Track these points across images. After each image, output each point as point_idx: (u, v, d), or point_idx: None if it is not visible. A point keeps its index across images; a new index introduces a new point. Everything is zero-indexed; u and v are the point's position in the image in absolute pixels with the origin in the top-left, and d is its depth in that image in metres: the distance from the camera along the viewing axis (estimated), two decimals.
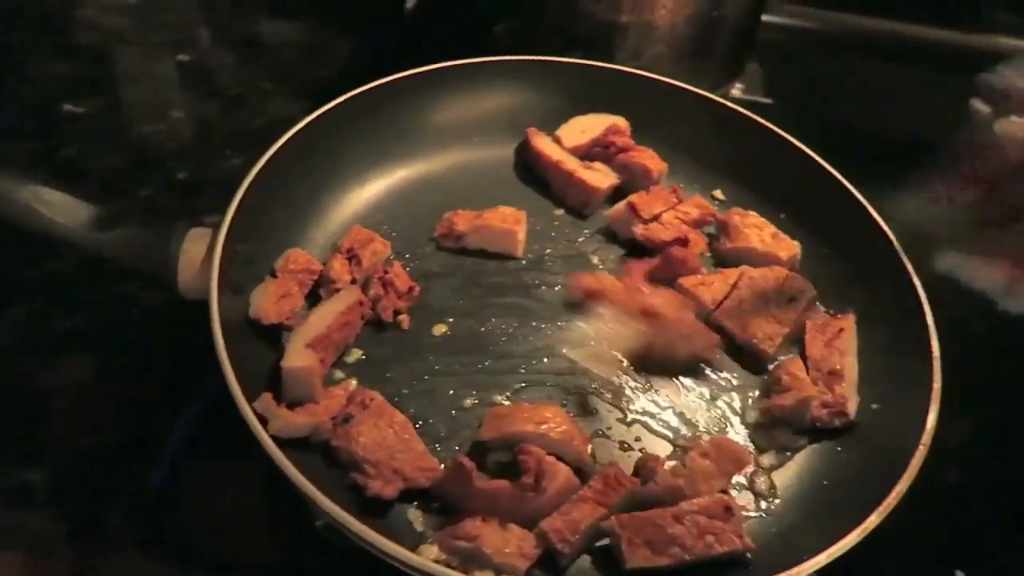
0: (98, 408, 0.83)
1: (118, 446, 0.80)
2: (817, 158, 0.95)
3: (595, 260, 0.93)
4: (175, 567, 0.73)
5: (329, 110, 0.91)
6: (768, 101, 1.25)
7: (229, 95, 1.22)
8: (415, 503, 0.71)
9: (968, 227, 0.69)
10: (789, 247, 0.92)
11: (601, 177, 0.97)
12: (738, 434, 0.80)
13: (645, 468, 0.73)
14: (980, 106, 1.23)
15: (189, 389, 0.83)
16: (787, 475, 0.77)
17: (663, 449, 0.78)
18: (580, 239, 0.95)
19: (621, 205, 0.95)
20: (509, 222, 0.90)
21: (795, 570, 0.62)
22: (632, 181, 0.99)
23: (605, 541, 0.69)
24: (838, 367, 0.81)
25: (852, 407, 0.79)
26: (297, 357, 0.74)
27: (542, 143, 0.99)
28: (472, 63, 0.99)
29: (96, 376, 0.85)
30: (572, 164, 0.97)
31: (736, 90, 1.27)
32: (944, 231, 0.72)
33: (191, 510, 0.77)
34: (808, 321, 0.86)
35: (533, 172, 1.00)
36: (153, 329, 0.89)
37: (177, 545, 0.74)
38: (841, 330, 0.85)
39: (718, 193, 1.02)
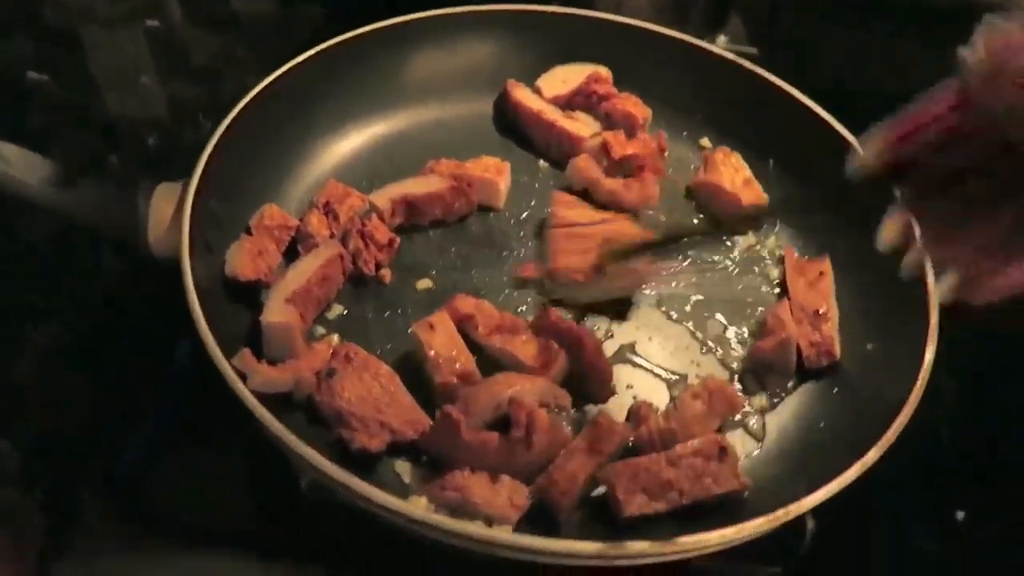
0: (71, 379, 0.80)
1: (93, 417, 0.78)
2: (806, 100, 0.93)
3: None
4: (154, 538, 0.71)
5: (299, 63, 0.88)
6: (753, 51, 1.22)
7: (200, 62, 1.19)
8: (403, 457, 0.69)
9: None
10: (756, 196, 0.90)
11: (583, 126, 0.95)
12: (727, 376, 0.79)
13: (637, 415, 0.72)
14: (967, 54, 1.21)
15: (164, 356, 0.81)
16: (782, 418, 0.76)
17: (654, 389, 0.77)
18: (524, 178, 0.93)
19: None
20: (491, 172, 0.88)
21: (795, 506, 0.61)
22: (618, 129, 0.95)
23: (600, 490, 0.68)
24: (823, 309, 0.80)
25: (837, 348, 0.78)
26: (277, 312, 0.72)
27: (522, 94, 0.97)
28: (446, 13, 0.96)
29: (66, 347, 0.82)
30: (553, 114, 0.95)
31: (720, 41, 1.24)
32: None
33: (170, 480, 0.75)
34: (787, 264, 0.85)
35: (514, 125, 0.97)
36: (122, 298, 0.87)
37: (156, 516, 0.73)
38: (822, 273, 0.84)
39: (704, 141, 0.99)
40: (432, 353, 0.71)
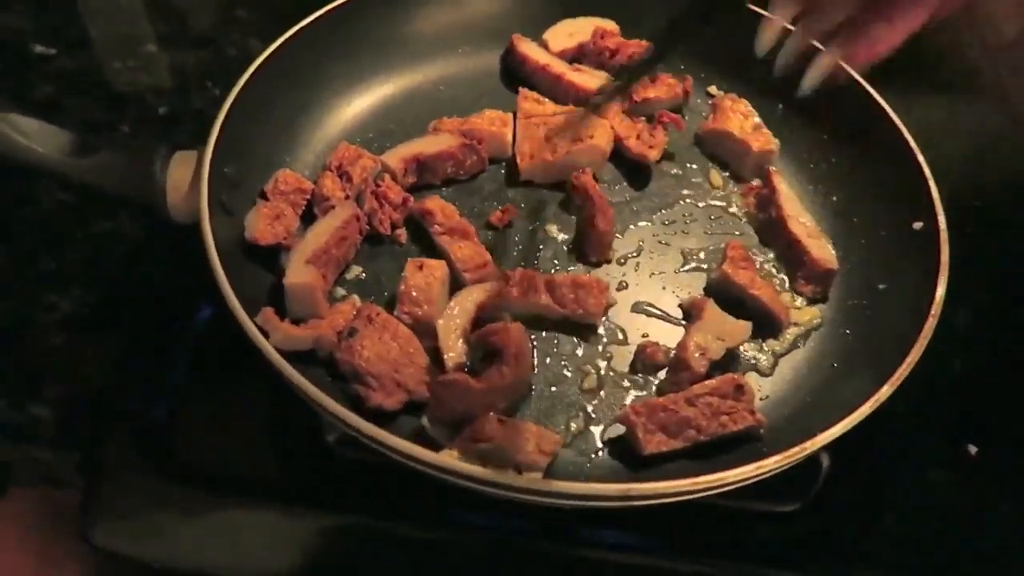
0: (95, 342, 0.82)
1: (119, 377, 0.80)
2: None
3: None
4: (185, 493, 0.73)
5: (305, 26, 0.88)
6: None
7: (202, 27, 1.18)
8: (424, 416, 0.70)
9: None
10: (765, 141, 0.90)
11: (590, 78, 0.95)
12: None
13: (643, 354, 0.74)
14: None
15: (186, 317, 0.82)
16: (796, 360, 0.77)
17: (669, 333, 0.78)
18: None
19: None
20: (496, 124, 0.89)
21: (809, 442, 0.62)
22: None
23: (621, 431, 0.69)
24: (792, 236, 0.81)
25: (828, 256, 0.80)
26: (298, 273, 0.73)
27: (528, 48, 0.97)
28: None
29: (90, 311, 0.84)
30: (560, 67, 0.95)
31: None
32: None
33: (197, 436, 0.76)
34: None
35: (520, 78, 0.97)
36: (141, 262, 0.88)
37: (185, 471, 0.74)
38: (774, 191, 0.84)
39: (712, 89, 0.99)
40: (403, 287, 0.74)
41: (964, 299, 0.77)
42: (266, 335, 0.67)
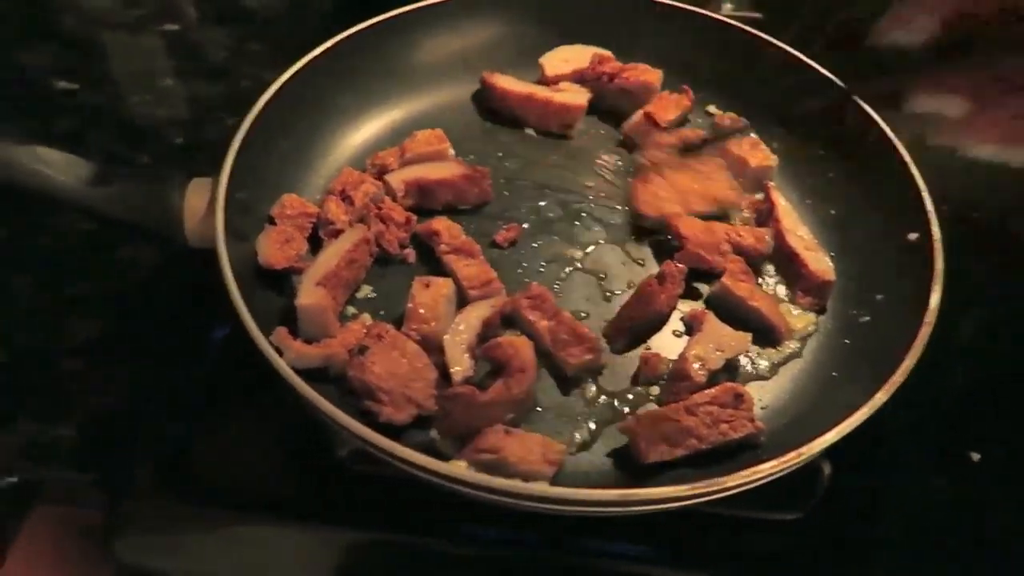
0: (115, 366, 0.85)
1: (140, 399, 0.83)
2: (809, 61, 0.95)
3: (593, 157, 0.97)
4: (203, 510, 0.75)
5: (315, 57, 0.91)
6: (758, 16, 1.24)
7: (216, 60, 1.23)
8: (433, 429, 0.72)
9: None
10: (763, 157, 0.92)
11: (575, 95, 0.98)
12: None
13: (645, 365, 0.76)
14: None
15: (201, 340, 0.85)
16: (795, 369, 0.79)
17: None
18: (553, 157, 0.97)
19: (638, 116, 0.97)
20: (434, 143, 0.92)
21: (806, 448, 0.64)
22: (637, 99, 0.99)
23: (623, 440, 0.71)
24: (790, 249, 0.83)
25: (825, 268, 0.82)
26: (309, 294, 0.75)
27: (504, 82, 0.99)
28: None
29: (108, 336, 0.87)
30: (543, 92, 0.98)
31: (725, 8, 1.25)
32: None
33: (215, 454, 0.78)
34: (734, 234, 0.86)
35: (503, 113, 0.99)
36: (158, 287, 0.91)
37: (204, 488, 0.76)
38: (773, 205, 0.87)
39: (712, 108, 1.02)
40: (410, 305, 0.76)
41: (966, 308, 0.78)
42: (280, 354, 0.69)
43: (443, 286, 0.78)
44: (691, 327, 0.80)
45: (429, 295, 0.77)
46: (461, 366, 0.74)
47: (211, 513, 0.75)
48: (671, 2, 1.03)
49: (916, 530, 0.76)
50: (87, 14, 1.29)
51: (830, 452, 0.66)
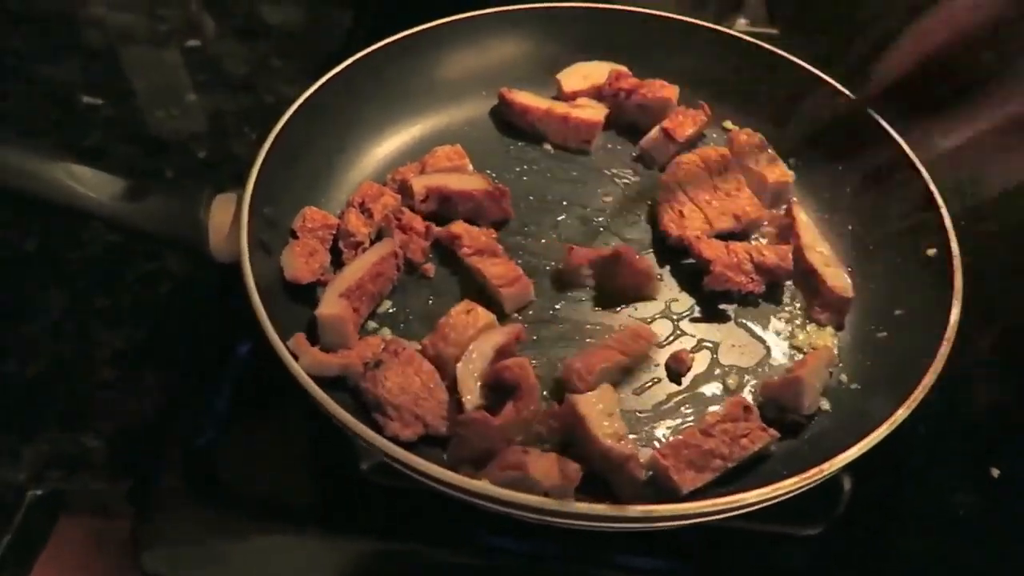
0: (143, 377, 0.86)
1: (166, 410, 0.84)
2: (825, 77, 0.96)
3: (611, 172, 0.98)
4: (230, 519, 0.76)
5: (337, 73, 0.92)
6: (774, 31, 1.24)
7: (239, 76, 1.25)
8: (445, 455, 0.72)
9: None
10: (780, 173, 0.92)
11: (593, 111, 0.99)
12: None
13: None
14: None
15: (228, 352, 0.86)
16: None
17: None
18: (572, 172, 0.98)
19: (655, 132, 0.98)
20: (454, 160, 0.93)
21: (827, 464, 0.64)
22: (654, 115, 1.00)
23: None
24: (809, 265, 0.84)
25: (844, 285, 0.82)
26: (330, 305, 0.76)
27: (523, 97, 1.00)
28: (472, 16, 1.01)
29: (136, 347, 0.89)
30: (562, 107, 0.99)
31: (740, 23, 1.26)
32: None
33: (240, 465, 0.79)
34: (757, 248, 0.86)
35: (522, 129, 1.00)
36: (186, 300, 0.93)
37: (230, 498, 0.77)
38: (794, 221, 0.87)
39: (728, 123, 1.02)
40: (444, 320, 0.78)
41: (986, 322, 0.78)
42: (297, 359, 0.70)
43: (483, 317, 0.78)
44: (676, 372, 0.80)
45: (465, 319, 0.77)
46: (472, 394, 0.74)
47: (237, 524, 0.76)
48: (687, 19, 1.03)
49: (938, 545, 0.76)
50: (111, 29, 1.32)
51: (851, 467, 0.66)
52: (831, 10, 1.28)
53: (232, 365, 0.85)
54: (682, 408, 0.78)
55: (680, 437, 0.71)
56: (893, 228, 0.86)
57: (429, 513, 0.74)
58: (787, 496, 0.65)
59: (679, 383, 0.79)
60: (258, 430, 0.81)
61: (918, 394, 0.68)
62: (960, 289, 0.75)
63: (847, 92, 0.94)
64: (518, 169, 0.97)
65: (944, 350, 0.71)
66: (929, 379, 0.68)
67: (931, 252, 0.80)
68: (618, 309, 0.85)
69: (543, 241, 0.90)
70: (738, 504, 0.63)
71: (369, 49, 0.95)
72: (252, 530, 0.75)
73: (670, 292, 0.87)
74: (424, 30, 0.99)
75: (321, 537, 0.75)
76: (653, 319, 0.84)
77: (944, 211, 0.82)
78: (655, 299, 0.86)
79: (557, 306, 0.85)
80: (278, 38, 1.32)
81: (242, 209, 0.78)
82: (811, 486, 0.65)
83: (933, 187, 0.84)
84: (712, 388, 0.79)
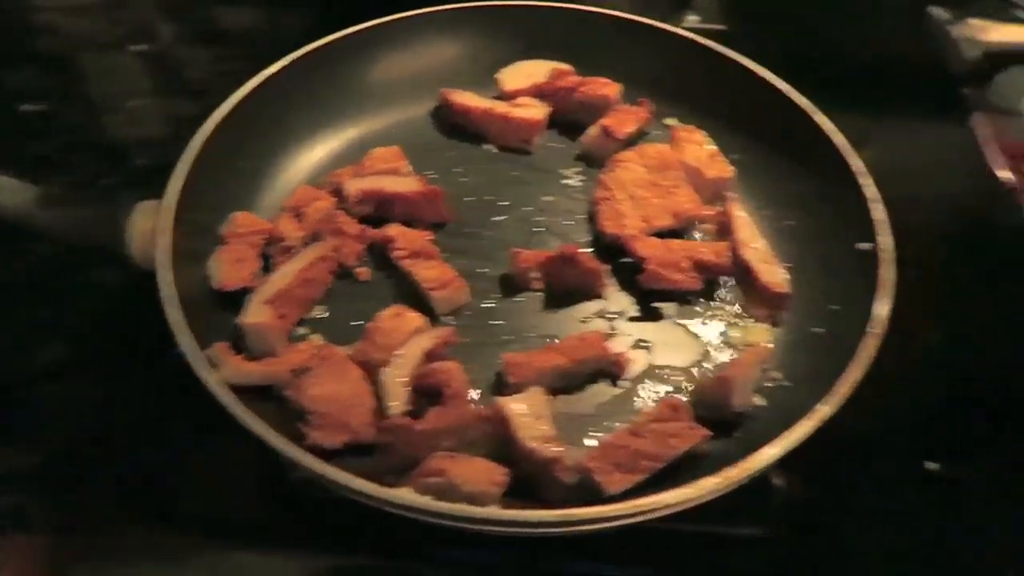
0: (79, 392, 0.85)
1: (103, 427, 0.82)
2: (767, 75, 0.95)
3: (554, 171, 0.97)
4: (167, 537, 0.74)
5: (268, 77, 0.92)
6: (722, 27, 1.24)
7: (187, 81, 1.23)
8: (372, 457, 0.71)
9: None
10: (720, 168, 0.92)
11: (534, 110, 0.98)
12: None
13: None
14: (938, 12, 1.21)
15: (162, 362, 0.84)
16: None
17: None
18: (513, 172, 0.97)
19: (596, 130, 0.97)
20: (391, 161, 0.92)
21: (749, 461, 0.63)
22: (596, 113, 0.99)
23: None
24: (744, 261, 0.83)
25: (779, 280, 0.82)
26: (255, 313, 0.75)
27: (463, 97, 0.99)
28: (407, 16, 1.00)
29: (73, 361, 0.87)
30: (502, 107, 0.98)
31: (690, 19, 1.25)
32: None
33: (177, 480, 0.78)
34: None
35: (462, 128, 1.00)
36: (119, 310, 0.91)
37: (167, 516, 0.75)
38: (731, 217, 0.87)
39: (671, 120, 1.01)
40: (371, 325, 0.76)
41: (931, 319, 0.77)
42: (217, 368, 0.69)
43: (412, 321, 0.77)
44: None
45: (393, 323, 0.76)
46: (398, 399, 0.72)
47: (173, 542, 0.74)
48: (629, 16, 1.02)
49: (880, 542, 0.75)
50: (66, 36, 1.30)
51: (789, 465, 0.65)
52: (780, 8, 1.27)
53: (168, 375, 0.83)
54: (618, 410, 0.77)
55: (609, 438, 0.70)
56: (830, 224, 0.85)
57: (381, 525, 0.70)
58: (713, 496, 0.64)
59: (615, 384, 0.78)
60: (197, 443, 0.79)
61: (843, 390, 0.67)
62: (890, 284, 0.74)
63: (790, 89, 0.93)
64: (459, 170, 0.96)
65: (871, 345, 0.70)
66: (854, 375, 0.68)
67: (864, 246, 0.80)
68: (557, 310, 0.84)
69: (483, 243, 0.89)
70: (658, 505, 0.61)
71: (302, 51, 0.95)
72: (189, 547, 0.73)
73: (609, 291, 0.86)
74: (359, 31, 0.98)
75: (261, 554, 0.73)
76: (588, 319, 0.83)
77: (878, 205, 0.81)
78: (603, 297, 0.85)
79: (497, 308, 0.84)
80: (229, 45, 1.30)
81: (161, 216, 0.76)
82: (737, 486, 0.64)
83: (868, 182, 0.83)
84: (648, 389, 0.78)
